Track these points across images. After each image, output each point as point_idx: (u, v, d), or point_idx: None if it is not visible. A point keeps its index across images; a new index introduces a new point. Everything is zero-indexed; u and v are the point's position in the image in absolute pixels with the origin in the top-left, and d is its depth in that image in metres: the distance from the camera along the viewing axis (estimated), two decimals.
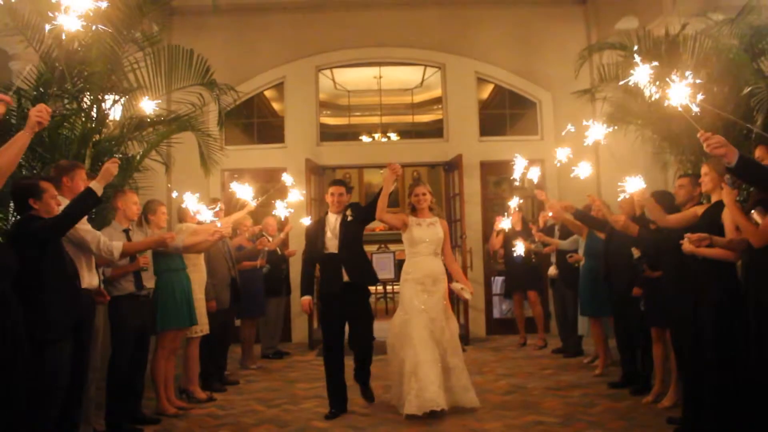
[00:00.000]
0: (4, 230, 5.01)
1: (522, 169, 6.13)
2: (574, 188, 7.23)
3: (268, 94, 10.13)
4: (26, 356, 3.51)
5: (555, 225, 7.62)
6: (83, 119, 5.89)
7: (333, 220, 5.47)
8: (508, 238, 8.07)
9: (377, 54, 9.91)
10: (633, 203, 5.54)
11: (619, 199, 5.31)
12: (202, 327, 5.80)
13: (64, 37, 3.72)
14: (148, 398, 5.44)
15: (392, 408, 5.32)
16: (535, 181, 6.27)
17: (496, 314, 9.56)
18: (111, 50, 5.86)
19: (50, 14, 3.59)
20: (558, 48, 9.32)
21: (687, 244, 4.13)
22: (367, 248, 6.15)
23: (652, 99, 3.80)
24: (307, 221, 6.62)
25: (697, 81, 3.52)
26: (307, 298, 5.51)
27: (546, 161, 8.67)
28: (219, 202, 6.61)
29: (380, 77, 10.85)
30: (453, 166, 9.48)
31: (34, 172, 5.44)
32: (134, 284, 4.99)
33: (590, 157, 5.75)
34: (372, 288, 6.45)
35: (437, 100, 10.41)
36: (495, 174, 9.69)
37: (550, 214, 7.26)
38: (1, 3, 4.43)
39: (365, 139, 11.84)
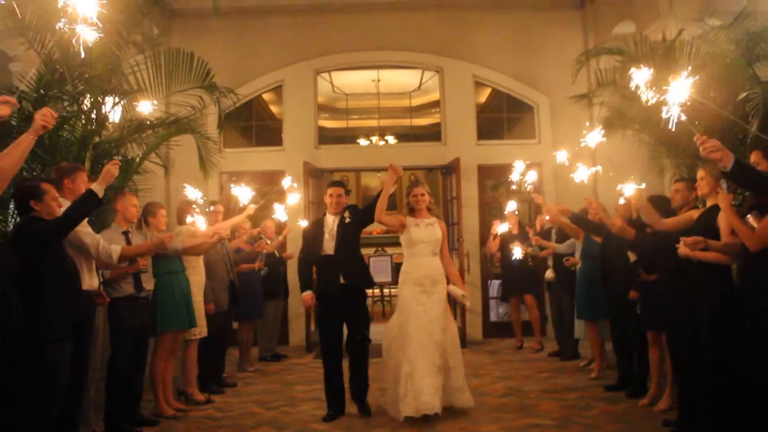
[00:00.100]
0: (4, 232, 5.02)
1: (520, 173, 6.19)
2: (571, 192, 7.27)
3: (266, 97, 10.15)
4: (26, 356, 3.52)
5: (552, 228, 7.66)
6: (83, 121, 5.92)
7: (331, 222, 5.45)
8: (505, 242, 8.10)
9: (376, 57, 9.94)
10: (629, 207, 5.58)
11: (622, 201, 5.34)
12: (201, 329, 5.81)
13: (81, 46, 3.67)
14: (147, 400, 5.45)
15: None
16: (531, 184, 6.31)
17: (492, 317, 9.59)
18: (111, 53, 5.89)
19: (61, 25, 3.57)
20: (556, 52, 9.36)
21: (682, 248, 4.16)
22: (364, 251, 6.15)
23: (649, 104, 3.82)
24: (304, 224, 6.64)
25: (695, 78, 3.54)
26: (308, 292, 5.47)
27: (543, 165, 8.72)
28: (217, 204, 6.65)
29: (378, 80, 10.88)
30: (450, 169, 9.51)
31: (34, 174, 5.46)
32: (133, 286, 5.00)
33: (588, 162, 5.80)
34: (369, 291, 6.48)
35: (435, 104, 10.45)
36: (492, 177, 9.71)
37: (547, 217, 7.29)
38: (3, 2, 4.41)
39: (363, 142, 11.87)
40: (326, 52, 9.75)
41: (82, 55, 3.99)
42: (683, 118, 3.45)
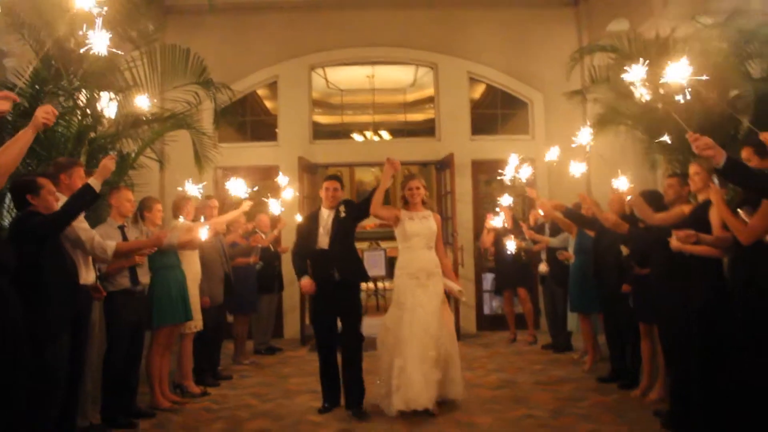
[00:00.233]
0: (1, 227, 5.03)
1: (514, 168, 6.23)
2: (565, 187, 7.31)
3: (261, 92, 10.15)
4: (26, 355, 3.51)
5: (545, 223, 7.71)
6: (79, 117, 5.92)
7: (326, 216, 5.43)
8: (499, 236, 8.14)
9: (370, 54, 9.96)
10: (622, 202, 5.63)
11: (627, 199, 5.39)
12: (196, 323, 5.85)
13: (96, 54, 3.69)
14: (143, 393, 5.48)
15: None
16: (525, 179, 6.34)
17: (486, 311, 9.66)
18: (107, 48, 5.88)
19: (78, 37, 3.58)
20: (550, 49, 9.39)
21: (674, 242, 4.21)
22: (358, 245, 6.18)
23: (643, 100, 3.87)
24: (299, 218, 6.67)
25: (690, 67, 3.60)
26: (306, 278, 5.35)
27: (537, 160, 8.73)
28: (212, 198, 6.67)
29: (373, 76, 10.87)
30: (445, 164, 9.55)
31: (30, 169, 5.45)
32: (129, 280, 5.02)
33: (581, 157, 5.85)
34: (363, 285, 6.51)
35: (429, 100, 10.45)
36: (486, 173, 9.72)
37: (541, 212, 7.35)
38: None
39: (357, 137, 11.88)
40: (321, 48, 9.76)
41: (72, 45, 3.99)
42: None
